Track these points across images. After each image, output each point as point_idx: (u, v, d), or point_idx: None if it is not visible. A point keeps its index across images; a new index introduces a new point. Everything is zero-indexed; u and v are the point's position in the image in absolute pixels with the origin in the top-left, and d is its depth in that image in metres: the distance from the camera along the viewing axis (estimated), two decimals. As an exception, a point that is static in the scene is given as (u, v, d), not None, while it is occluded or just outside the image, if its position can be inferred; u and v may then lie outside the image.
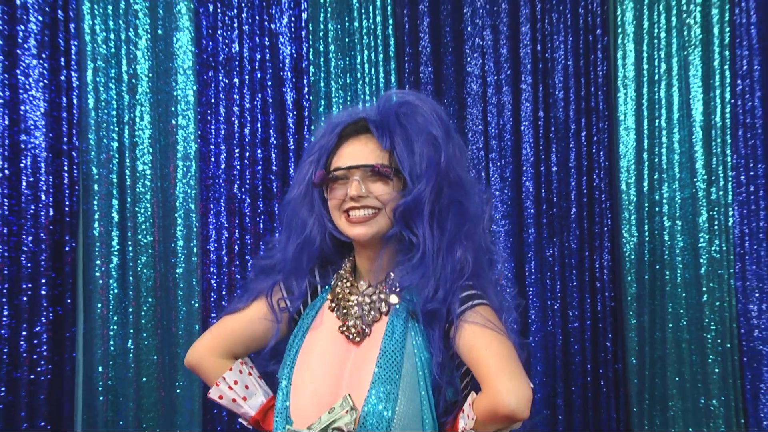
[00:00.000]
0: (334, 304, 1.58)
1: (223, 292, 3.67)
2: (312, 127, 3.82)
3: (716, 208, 3.79)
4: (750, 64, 3.76)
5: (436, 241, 1.47)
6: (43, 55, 3.43)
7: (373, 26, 3.90)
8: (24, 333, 3.33)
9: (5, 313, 3.31)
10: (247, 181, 3.72)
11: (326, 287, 1.64)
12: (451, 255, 1.47)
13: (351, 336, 1.53)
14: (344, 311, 1.55)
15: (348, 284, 1.59)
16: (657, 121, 3.94)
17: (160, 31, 3.67)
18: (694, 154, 3.84)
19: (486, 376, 1.36)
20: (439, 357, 1.45)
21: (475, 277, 1.49)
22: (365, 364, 1.47)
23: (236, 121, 3.75)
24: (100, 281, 3.51)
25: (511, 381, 1.34)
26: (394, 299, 1.51)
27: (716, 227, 3.79)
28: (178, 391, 3.57)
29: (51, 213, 3.43)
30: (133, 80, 3.62)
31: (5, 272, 3.31)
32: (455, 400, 1.49)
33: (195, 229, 3.67)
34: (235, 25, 3.78)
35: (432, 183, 1.47)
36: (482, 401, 1.37)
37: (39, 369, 3.35)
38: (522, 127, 3.98)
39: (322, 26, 3.87)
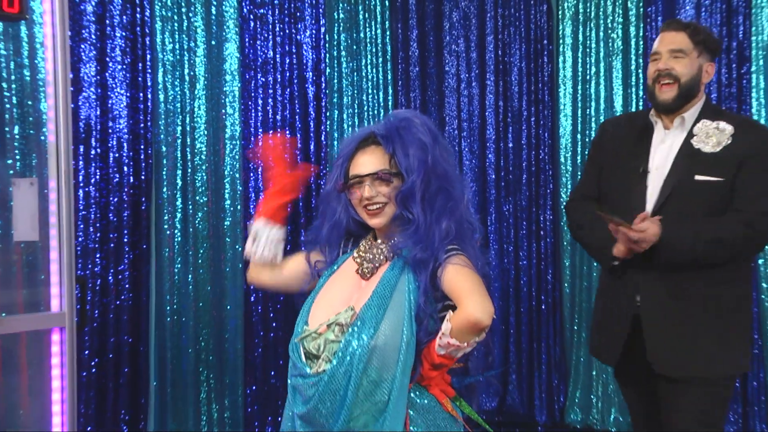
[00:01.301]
0: (356, 254, 1.85)
1: (260, 239, 4.25)
2: (327, 114, 4.36)
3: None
4: (658, 69, 4.28)
5: (427, 216, 1.72)
6: (126, 62, 3.85)
7: (374, 36, 4.46)
8: (111, 270, 3.79)
9: (98, 255, 3.74)
10: (278, 156, 4.31)
11: (353, 249, 1.91)
12: (438, 226, 1.72)
13: (363, 274, 1.80)
14: (362, 258, 1.83)
15: (369, 243, 1.86)
16: (588, 110, 4.43)
17: (213, 42, 4.10)
18: (615, 136, 4.38)
19: (460, 297, 1.63)
20: (423, 291, 1.69)
21: (459, 240, 1.74)
22: (370, 290, 1.72)
23: (270, 110, 4.22)
24: (168, 231, 3.98)
25: (479, 299, 1.60)
26: (396, 253, 1.78)
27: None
28: (225, 312, 4.09)
29: (131, 180, 3.86)
30: (193, 80, 4.05)
31: (98, 225, 3.76)
32: (435, 330, 1.69)
33: (239, 192, 4.12)
34: (270, 36, 4.23)
35: (421, 175, 1.72)
36: (457, 314, 1.62)
37: (122, 297, 3.83)
38: (486, 114, 4.57)
39: (336, 37, 4.41)
